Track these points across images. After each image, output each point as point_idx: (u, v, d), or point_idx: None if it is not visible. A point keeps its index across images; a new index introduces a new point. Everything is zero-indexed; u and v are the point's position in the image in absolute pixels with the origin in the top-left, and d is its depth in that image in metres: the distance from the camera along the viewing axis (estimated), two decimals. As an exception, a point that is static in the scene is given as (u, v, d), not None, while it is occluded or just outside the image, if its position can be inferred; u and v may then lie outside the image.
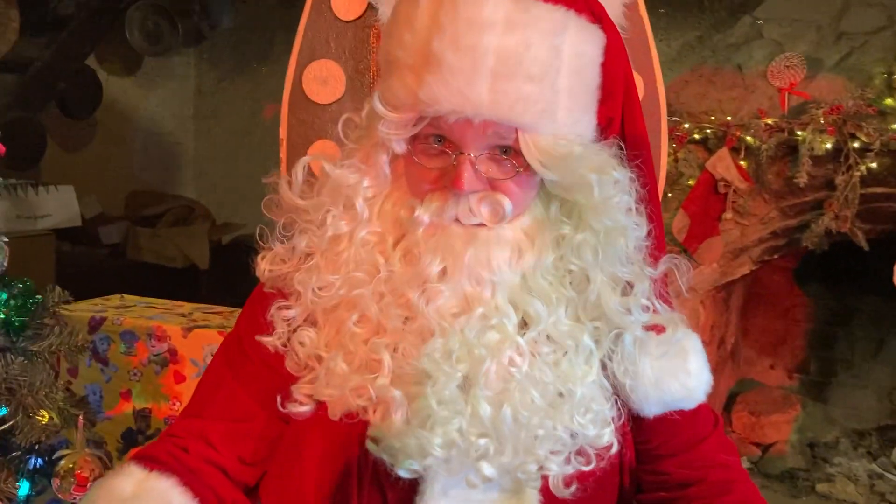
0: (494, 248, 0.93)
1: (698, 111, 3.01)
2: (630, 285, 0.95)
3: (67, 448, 1.35)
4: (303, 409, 0.94)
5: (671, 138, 2.95)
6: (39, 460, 1.43)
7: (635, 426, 1.01)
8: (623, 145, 0.98)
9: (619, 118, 1.00)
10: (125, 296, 2.12)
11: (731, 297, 3.37)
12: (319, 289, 0.93)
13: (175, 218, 4.45)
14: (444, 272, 0.92)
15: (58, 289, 1.41)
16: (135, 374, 1.82)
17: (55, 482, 1.31)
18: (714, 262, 2.98)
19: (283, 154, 1.60)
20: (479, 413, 0.87)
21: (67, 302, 1.41)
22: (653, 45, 1.49)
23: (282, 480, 0.99)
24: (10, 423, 1.27)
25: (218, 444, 0.99)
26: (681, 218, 2.90)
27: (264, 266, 0.97)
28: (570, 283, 0.95)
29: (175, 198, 4.75)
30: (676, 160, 2.96)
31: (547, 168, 0.91)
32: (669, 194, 2.97)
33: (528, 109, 0.89)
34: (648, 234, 0.98)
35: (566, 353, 0.92)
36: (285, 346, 0.95)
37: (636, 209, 0.96)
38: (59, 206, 3.91)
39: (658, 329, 0.98)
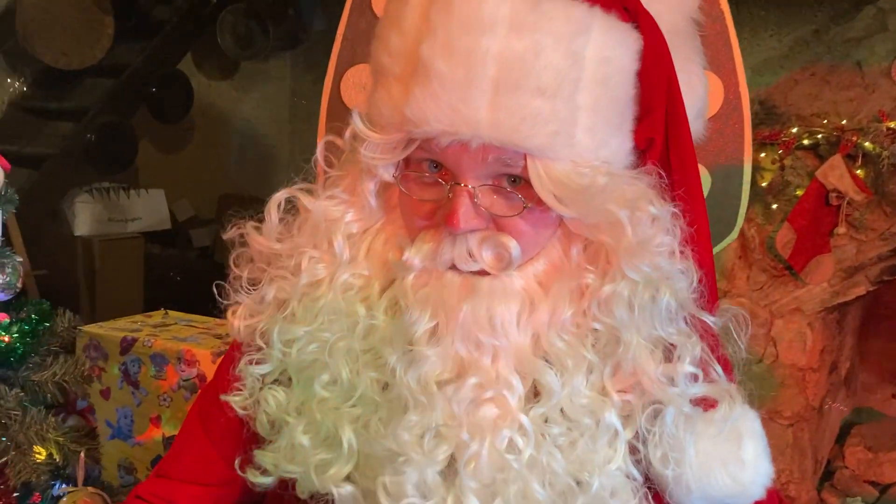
0: (499, 302, 0.76)
1: (809, 114, 2.74)
2: (672, 347, 0.76)
3: (69, 485, 1.28)
4: (265, 480, 0.80)
5: (777, 144, 2.70)
6: (65, 492, 1.36)
7: None
8: (665, 173, 0.79)
9: (661, 139, 0.81)
10: (169, 312, 2.06)
11: (847, 318, 3.08)
12: (288, 341, 0.79)
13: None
14: (434, 331, 0.76)
15: (69, 313, 1.33)
16: (164, 400, 1.74)
17: (53, 523, 1.23)
18: (824, 282, 2.71)
19: (320, 168, 1.48)
20: None
21: (77, 325, 1.34)
22: (735, 42, 1.27)
23: None
24: (4, 459, 1.19)
25: None
26: (786, 232, 2.66)
27: (237, 323, 0.83)
28: (594, 344, 0.77)
29: (265, 202, 4.78)
30: (783, 168, 2.71)
31: (563, 203, 0.74)
32: (774, 206, 2.74)
33: (537, 130, 0.72)
34: (698, 282, 0.78)
35: (584, 433, 0.75)
36: (248, 409, 0.81)
37: (681, 252, 0.77)
38: (149, 209, 3.99)
39: (706, 405, 0.78)
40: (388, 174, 0.79)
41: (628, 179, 0.77)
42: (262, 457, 0.80)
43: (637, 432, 0.77)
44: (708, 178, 1.30)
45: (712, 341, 0.80)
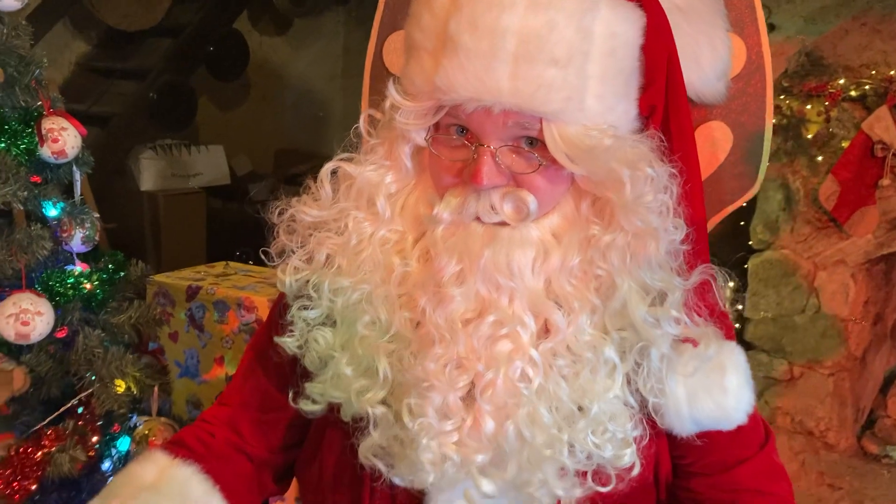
0: (516, 249, 0.85)
1: (858, 64, 2.72)
2: (664, 296, 0.85)
3: (144, 416, 1.43)
4: (314, 408, 0.92)
5: (823, 95, 2.70)
6: (141, 422, 1.53)
7: (671, 440, 0.92)
8: (665, 138, 0.87)
9: (662, 106, 0.89)
10: (230, 263, 2.20)
11: (895, 270, 3.08)
12: (335, 290, 0.90)
13: (318, 176, 4.60)
14: (460, 275, 0.85)
15: (141, 263, 1.47)
16: (227, 342, 1.90)
17: (132, 446, 1.39)
18: (868, 234, 2.72)
19: (364, 127, 1.57)
20: (481, 427, 0.82)
21: (148, 275, 1.48)
22: (759, 5, 1.32)
23: (309, 467, 1.00)
24: (90, 391, 1.35)
25: (245, 433, 1.00)
26: (829, 184, 2.68)
27: (287, 279, 0.94)
28: (597, 289, 0.86)
29: (321, 156, 4.90)
30: (828, 119, 2.71)
31: (574, 161, 0.83)
32: (819, 158, 2.76)
33: (552, 97, 0.81)
34: (687, 238, 0.87)
35: (586, 365, 0.84)
36: (301, 347, 0.92)
37: (674, 210, 0.86)
38: (209, 164, 4.15)
39: (694, 343, 0.87)
40: (420, 138, 0.88)
41: (631, 142, 0.86)
42: (312, 388, 0.91)
43: (635, 366, 0.86)
44: (730, 135, 1.36)
45: (701, 289, 0.89)
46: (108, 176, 3.68)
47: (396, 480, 0.86)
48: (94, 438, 1.32)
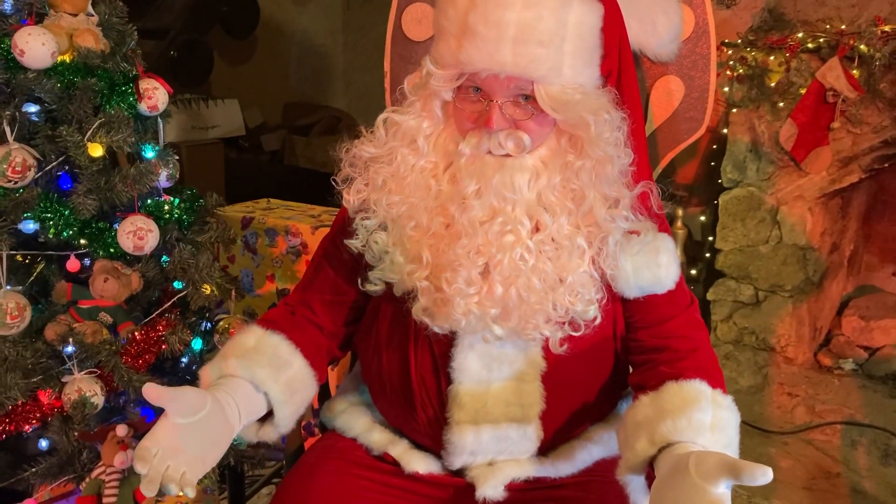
0: (517, 173, 1.21)
1: (815, 19, 2.98)
2: (617, 202, 1.22)
3: (225, 314, 1.80)
4: (376, 288, 1.29)
5: (784, 48, 2.96)
6: (209, 324, 1.89)
7: (624, 305, 1.30)
8: (618, 92, 1.23)
9: (616, 71, 1.25)
10: (271, 200, 2.55)
11: (851, 204, 3.36)
12: (389, 204, 1.25)
13: (325, 127, 4.90)
14: (478, 192, 1.21)
15: (215, 195, 1.83)
16: (277, 262, 2.25)
17: (216, 337, 1.76)
18: (823, 171, 3.01)
19: (387, 85, 1.90)
20: (493, 291, 1.19)
21: (221, 205, 1.84)
22: (703, -22, 1.65)
23: (367, 336, 1.37)
24: (185, 292, 1.72)
25: (318, 310, 1.38)
26: (788, 127, 2.94)
27: (350, 197, 1.29)
28: (572, 198, 1.22)
29: (326, 108, 5.19)
30: (788, 69, 2.97)
31: (555, 111, 1.19)
32: (781, 104, 3.00)
33: (539, 67, 1.16)
34: (633, 162, 1.23)
35: (564, 250, 1.21)
36: (363, 246, 1.29)
37: (625, 143, 1.22)
38: (225, 117, 4.43)
39: (637, 233, 1.25)
40: (447, 96, 1.24)
41: (595, 96, 1.22)
42: (374, 273, 1.28)
43: (598, 250, 1.23)
44: (682, 86, 1.71)
45: (642, 196, 1.25)
46: (135, 129, 3.96)
47: (436, 329, 1.22)
48: (191, 327, 1.70)
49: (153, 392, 1.04)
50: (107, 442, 1.44)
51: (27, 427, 1.56)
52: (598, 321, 1.23)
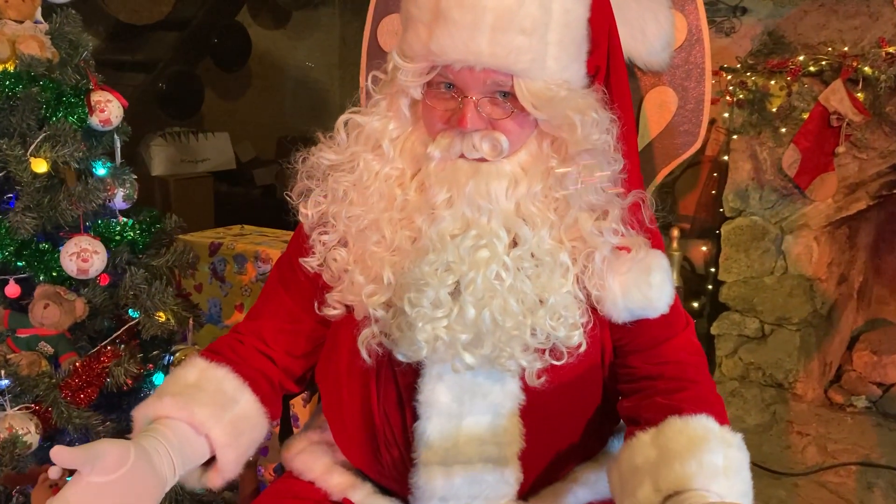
0: (493, 180, 1.07)
1: (816, 42, 2.91)
2: (605, 213, 1.08)
3: (181, 344, 1.67)
4: (335, 312, 1.15)
5: (785, 72, 2.88)
6: (170, 357, 1.76)
7: (612, 327, 1.15)
8: (606, 91, 1.10)
9: (604, 67, 1.12)
10: (245, 226, 2.44)
11: (859, 234, 3.27)
12: (349, 217, 1.12)
13: (319, 161, 4.81)
14: (449, 200, 1.08)
15: (174, 217, 1.71)
16: (246, 291, 2.14)
17: (171, 370, 1.62)
18: (828, 198, 2.91)
19: (362, 100, 1.79)
20: (464, 314, 1.04)
21: (182, 228, 1.71)
22: (697, -16, 1.54)
23: (326, 366, 1.23)
24: (137, 320, 1.59)
25: (269, 340, 1.23)
26: (791, 153, 2.85)
27: (308, 211, 1.16)
28: (555, 209, 1.09)
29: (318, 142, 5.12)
30: (790, 93, 2.89)
31: (538, 109, 1.05)
32: (783, 129, 2.92)
33: (521, 59, 1.03)
34: (623, 169, 1.10)
35: (545, 268, 1.07)
36: (321, 265, 1.15)
37: (614, 147, 1.09)
38: (216, 150, 4.36)
39: (628, 250, 1.11)
40: (416, 93, 1.10)
41: (582, 94, 1.08)
42: (332, 296, 1.14)
43: (583, 268, 1.09)
44: (675, 97, 1.59)
45: (634, 208, 1.12)
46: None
47: (400, 357, 1.08)
48: (141, 356, 1.56)
49: (62, 456, 0.91)
50: (38, 486, 1.30)
51: (-49, 466, 1.42)
52: (583, 348, 1.09)
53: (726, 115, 3.03)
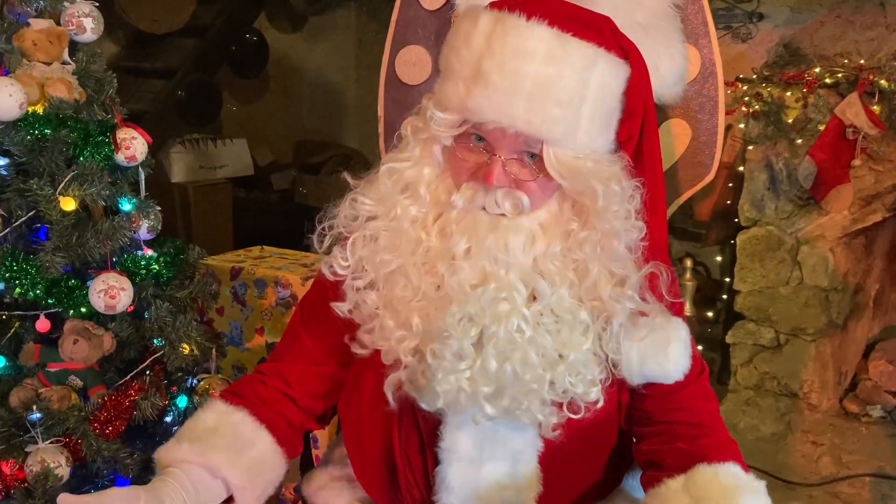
0: (512, 235, 1.11)
1: (832, 54, 2.90)
2: (623, 280, 1.12)
3: (205, 373, 1.71)
4: (363, 351, 1.18)
5: (800, 83, 2.88)
6: (195, 380, 1.81)
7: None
8: (638, 158, 1.15)
9: (637, 135, 1.16)
10: (264, 247, 2.48)
11: (876, 243, 3.26)
12: (381, 262, 1.15)
13: (336, 165, 4.84)
14: (468, 251, 1.11)
15: (197, 248, 1.75)
16: (266, 314, 2.18)
17: (195, 399, 1.67)
18: (844, 210, 2.90)
19: (380, 130, 1.83)
20: (486, 366, 1.08)
21: (203, 258, 1.75)
22: (710, 18, 1.57)
23: (349, 403, 1.26)
24: (161, 352, 1.64)
25: (291, 382, 1.27)
26: (807, 165, 2.85)
27: (349, 254, 1.17)
28: (575, 270, 1.12)
29: (337, 146, 5.15)
30: (806, 105, 2.88)
31: (563, 177, 1.10)
32: (799, 141, 2.92)
33: (554, 128, 1.07)
34: (644, 237, 1.13)
35: (565, 324, 1.10)
36: (351, 311, 1.18)
37: (636, 215, 1.12)
38: (234, 157, 4.39)
39: (643, 314, 1.14)
40: (448, 141, 1.14)
41: (607, 164, 1.12)
42: (362, 337, 1.17)
43: (603, 328, 1.12)
44: (689, 129, 1.61)
45: (652, 276, 1.14)
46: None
47: (423, 405, 1.11)
48: (169, 389, 1.61)
49: (69, 501, 0.95)
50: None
51: (-13, 501, 1.48)
52: (600, 404, 1.13)
53: (742, 125, 3.03)
